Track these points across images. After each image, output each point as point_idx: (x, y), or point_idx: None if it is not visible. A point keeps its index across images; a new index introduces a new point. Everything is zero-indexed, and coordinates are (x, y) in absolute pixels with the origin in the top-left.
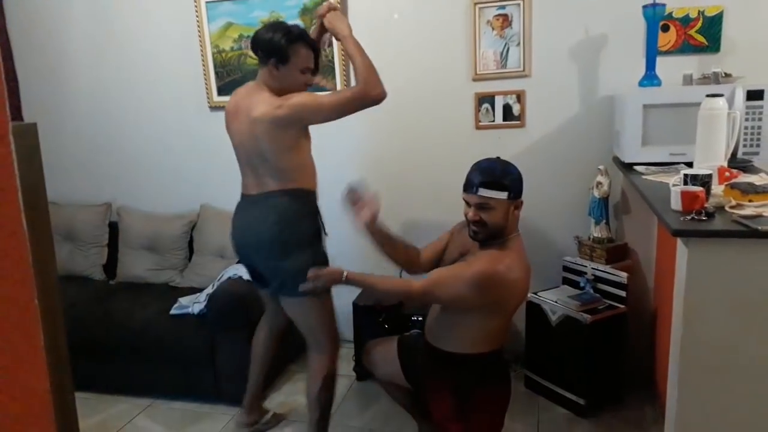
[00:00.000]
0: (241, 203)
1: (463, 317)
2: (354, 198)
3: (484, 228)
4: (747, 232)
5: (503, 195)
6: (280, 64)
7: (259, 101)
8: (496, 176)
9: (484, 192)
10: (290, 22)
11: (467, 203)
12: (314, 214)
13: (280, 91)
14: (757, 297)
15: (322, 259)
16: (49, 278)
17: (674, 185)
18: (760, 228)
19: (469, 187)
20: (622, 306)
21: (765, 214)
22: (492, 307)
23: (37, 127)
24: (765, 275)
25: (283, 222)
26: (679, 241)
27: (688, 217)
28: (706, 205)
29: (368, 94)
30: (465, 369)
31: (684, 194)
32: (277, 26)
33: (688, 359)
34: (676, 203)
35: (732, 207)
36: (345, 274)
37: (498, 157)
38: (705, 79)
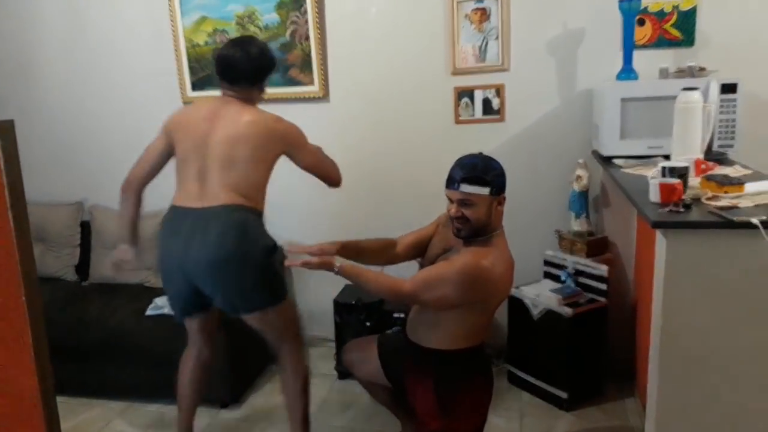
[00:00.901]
0: (183, 216)
1: (445, 314)
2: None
3: (467, 224)
4: (723, 222)
5: (485, 191)
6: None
7: (252, 110)
8: (478, 172)
9: (465, 188)
10: (265, 17)
11: (450, 199)
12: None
13: None
14: (734, 286)
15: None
16: (31, 279)
17: (652, 178)
18: (735, 219)
19: (451, 182)
20: (603, 299)
21: (740, 205)
22: (475, 303)
23: (14, 124)
24: (740, 264)
25: (249, 235)
26: (658, 233)
27: (667, 209)
28: (683, 196)
29: (337, 183)
30: (446, 365)
31: (662, 186)
32: (253, 43)
33: (668, 348)
34: (654, 195)
35: (708, 198)
36: (338, 264)
37: (480, 153)
38: (681, 73)
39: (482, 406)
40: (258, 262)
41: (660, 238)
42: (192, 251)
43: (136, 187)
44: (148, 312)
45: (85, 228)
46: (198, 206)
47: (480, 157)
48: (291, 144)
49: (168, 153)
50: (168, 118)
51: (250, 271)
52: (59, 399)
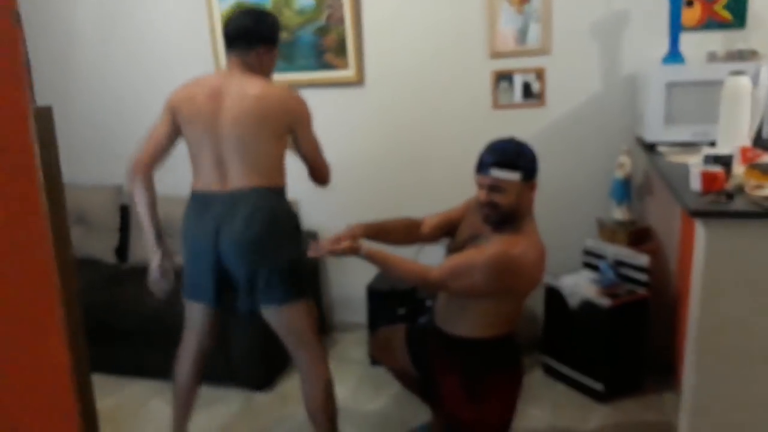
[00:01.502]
0: (209, 200)
1: (474, 302)
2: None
3: (497, 210)
4: (765, 213)
5: (516, 176)
6: (274, 46)
7: (259, 82)
8: (509, 156)
9: (496, 173)
10: (301, 0)
11: (479, 185)
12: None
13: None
14: None
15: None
16: (67, 261)
17: (694, 165)
18: None
19: (481, 167)
20: (644, 290)
21: None
22: (505, 292)
23: (52, 110)
24: None
25: (276, 216)
26: (698, 222)
27: (708, 198)
28: (725, 185)
29: (327, 181)
30: (474, 353)
31: (704, 175)
32: (257, 10)
33: (705, 341)
34: (695, 184)
35: (752, 188)
36: (365, 248)
37: (512, 137)
38: (730, 57)
39: (511, 396)
40: (287, 242)
41: (699, 228)
42: (223, 234)
43: (144, 170)
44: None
45: (125, 211)
46: (222, 190)
47: (512, 141)
48: (299, 120)
49: (174, 135)
50: (170, 97)
51: (280, 253)
52: (98, 377)
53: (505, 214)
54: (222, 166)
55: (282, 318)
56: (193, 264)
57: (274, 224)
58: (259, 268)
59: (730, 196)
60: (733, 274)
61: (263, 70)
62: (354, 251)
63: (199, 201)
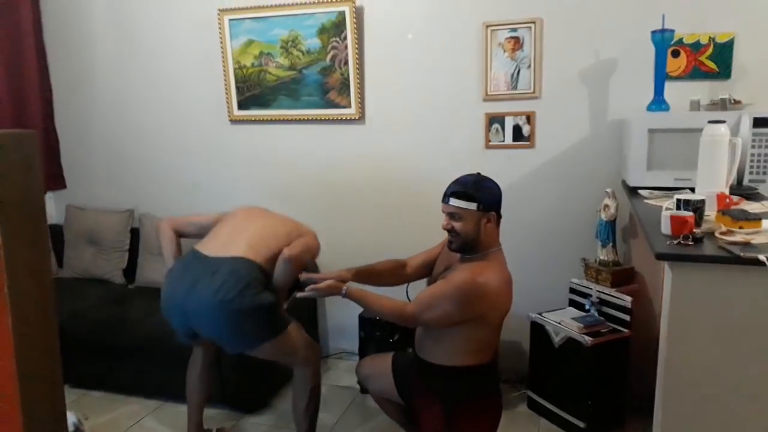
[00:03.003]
0: (196, 261)
1: (447, 329)
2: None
3: (457, 237)
4: (730, 258)
5: (472, 206)
6: None
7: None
8: (467, 188)
9: (454, 202)
10: (308, 41)
11: (443, 212)
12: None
13: None
14: (739, 322)
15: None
16: (44, 281)
17: (666, 209)
18: (741, 254)
19: (443, 197)
20: (626, 330)
21: (753, 241)
22: (474, 318)
23: (36, 136)
24: (746, 301)
25: (251, 287)
26: (665, 265)
27: (675, 242)
28: (695, 230)
29: (295, 259)
30: (452, 381)
31: (673, 219)
32: None
33: (671, 382)
34: (665, 227)
35: (722, 233)
36: (345, 289)
37: (478, 173)
38: (713, 105)
39: (490, 426)
40: (255, 311)
41: (667, 271)
42: (194, 294)
43: (170, 224)
44: None
45: (135, 234)
46: (212, 255)
47: (475, 175)
48: (303, 235)
49: (205, 231)
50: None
51: (246, 319)
52: (98, 394)
53: (465, 241)
54: (229, 239)
55: (269, 352)
56: (165, 315)
57: (246, 290)
58: (226, 327)
59: (698, 240)
60: (698, 317)
61: None
62: (335, 291)
63: (190, 259)
